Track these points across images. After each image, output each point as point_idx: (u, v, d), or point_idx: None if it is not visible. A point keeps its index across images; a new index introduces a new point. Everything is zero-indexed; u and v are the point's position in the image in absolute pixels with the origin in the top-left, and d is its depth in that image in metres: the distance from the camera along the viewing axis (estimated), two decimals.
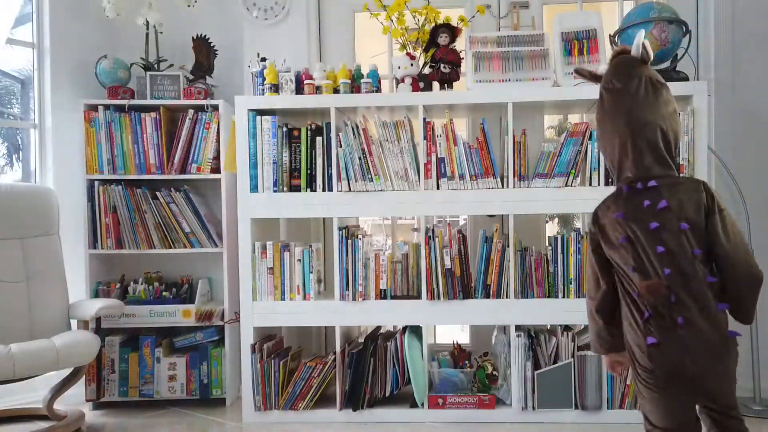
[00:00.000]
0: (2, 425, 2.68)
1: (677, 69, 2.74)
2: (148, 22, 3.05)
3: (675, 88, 2.63)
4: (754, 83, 2.98)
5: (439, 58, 2.76)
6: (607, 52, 2.76)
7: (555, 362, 2.64)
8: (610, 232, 1.57)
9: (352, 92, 2.77)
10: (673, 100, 1.66)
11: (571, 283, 2.65)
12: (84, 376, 2.73)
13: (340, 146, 2.71)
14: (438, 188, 2.69)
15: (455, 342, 2.96)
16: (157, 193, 2.99)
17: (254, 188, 2.77)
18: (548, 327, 2.78)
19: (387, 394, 2.74)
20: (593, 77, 1.74)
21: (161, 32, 3.10)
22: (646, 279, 1.47)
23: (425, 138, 2.68)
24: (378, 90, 2.79)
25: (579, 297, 2.64)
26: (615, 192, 1.63)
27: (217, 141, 2.99)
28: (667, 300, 1.45)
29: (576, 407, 2.62)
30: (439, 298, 2.68)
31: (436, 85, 2.83)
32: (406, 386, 2.76)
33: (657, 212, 1.52)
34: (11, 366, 2.26)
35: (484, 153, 2.67)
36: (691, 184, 1.61)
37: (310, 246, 2.79)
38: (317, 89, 2.77)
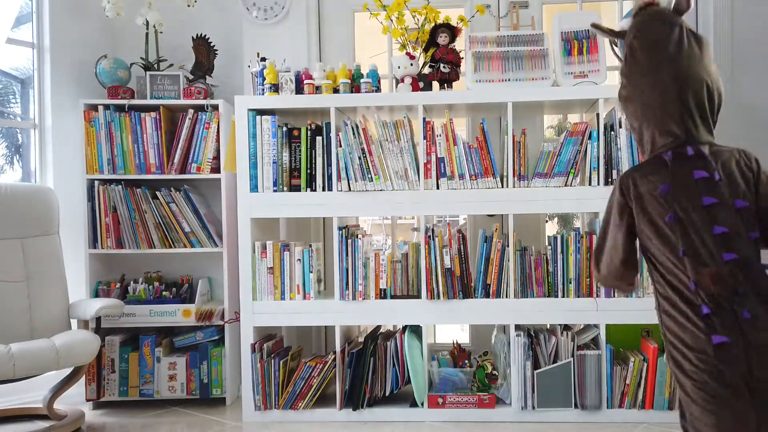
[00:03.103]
0: (2, 425, 2.68)
1: None
2: (148, 22, 3.05)
3: None
4: (754, 83, 2.98)
5: (439, 57, 2.76)
6: (606, 52, 2.76)
7: (555, 362, 2.64)
8: (651, 207, 1.31)
9: (351, 92, 2.77)
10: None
11: (570, 283, 2.65)
12: (84, 376, 2.74)
13: (340, 146, 2.71)
14: (438, 188, 2.69)
15: (455, 341, 2.96)
16: (157, 193, 2.99)
17: (254, 188, 2.77)
18: (548, 326, 2.78)
19: (387, 394, 2.74)
20: (613, 33, 1.54)
21: (161, 32, 3.10)
22: (700, 266, 1.22)
23: (425, 138, 2.68)
24: (378, 90, 2.79)
25: (579, 296, 2.64)
26: (653, 159, 1.37)
27: (217, 141, 2.99)
28: (731, 291, 1.20)
29: (576, 407, 2.63)
30: (438, 297, 2.68)
31: (435, 84, 2.83)
32: (406, 386, 2.76)
33: (711, 185, 1.27)
34: (11, 366, 2.26)
35: (483, 153, 2.67)
36: (737, 154, 1.36)
37: (310, 246, 2.79)
38: (317, 89, 2.78)
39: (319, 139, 2.74)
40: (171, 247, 3.00)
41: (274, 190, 2.76)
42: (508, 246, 2.66)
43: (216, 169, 3.00)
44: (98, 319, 2.70)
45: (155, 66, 3.09)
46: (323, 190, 2.74)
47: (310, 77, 2.78)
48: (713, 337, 1.19)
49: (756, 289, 1.21)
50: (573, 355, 2.62)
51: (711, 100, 1.38)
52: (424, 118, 2.69)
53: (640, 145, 1.44)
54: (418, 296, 2.72)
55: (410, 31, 2.86)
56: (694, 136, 1.33)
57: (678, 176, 1.30)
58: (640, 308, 2.62)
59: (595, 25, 1.58)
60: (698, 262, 1.23)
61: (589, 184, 2.64)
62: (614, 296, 2.63)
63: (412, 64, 2.77)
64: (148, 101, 3.00)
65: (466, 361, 2.82)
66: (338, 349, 2.71)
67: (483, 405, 2.68)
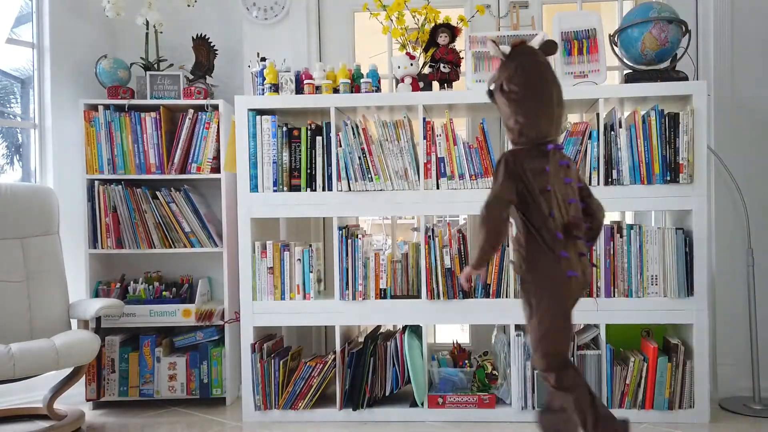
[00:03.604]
0: (2, 425, 2.68)
1: (677, 69, 2.74)
2: (148, 22, 3.05)
3: (675, 87, 2.66)
4: (754, 83, 2.98)
5: (439, 57, 2.76)
6: (606, 51, 2.76)
7: None
8: (534, 180, 1.83)
9: (351, 92, 2.77)
10: None
11: None
12: (84, 376, 2.74)
13: (340, 146, 2.71)
14: (438, 188, 2.69)
15: (455, 341, 2.96)
16: (157, 193, 2.99)
17: (254, 188, 2.77)
18: None
19: (387, 394, 2.74)
20: (505, 55, 1.92)
21: (161, 32, 3.10)
22: (559, 221, 1.83)
23: (425, 138, 2.68)
24: (378, 90, 2.79)
25: None
26: (535, 149, 1.87)
27: (217, 141, 2.99)
28: (575, 235, 1.86)
29: None
30: (438, 297, 2.68)
31: (435, 84, 2.83)
32: (406, 386, 2.76)
33: (566, 170, 1.89)
34: (11, 366, 2.26)
35: (483, 153, 2.67)
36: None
37: (310, 246, 2.79)
38: (317, 89, 2.78)
39: (319, 139, 2.74)
40: (171, 247, 3.00)
41: (274, 190, 2.76)
42: (508, 246, 2.66)
43: (216, 169, 3.00)
44: (98, 319, 2.70)
45: (155, 66, 3.10)
46: (323, 190, 2.74)
47: (310, 77, 2.78)
48: (562, 252, 1.82)
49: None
50: (573, 355, 2.62)
51: (563, 112, 1.93)
52: (424, 118, 2.69)
53: (513, 133, 1.89)
54: (418, 296, 2.72)
55: (410, 31, 2.86)
56: (555, 136, 1.91)
57: (553, 162, 1.86)
58: (640, 308, 2.62)
59: (494, 42, 1.93)
60: (560, 219, 1.84)
61: (589, 184, 2.63)
62: (614, 296, 2.63)
63: (412, 64, 2.77)
64: (148, 101, 3.00)
65: (466, 361, 2.82)
66: (338, 349, 2.71)
67: (483, 405, 2.68)
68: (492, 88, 1.94)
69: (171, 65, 3.13)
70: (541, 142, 1.87)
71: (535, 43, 1.92)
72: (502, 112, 1.92)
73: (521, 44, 1.91)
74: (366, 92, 2.76)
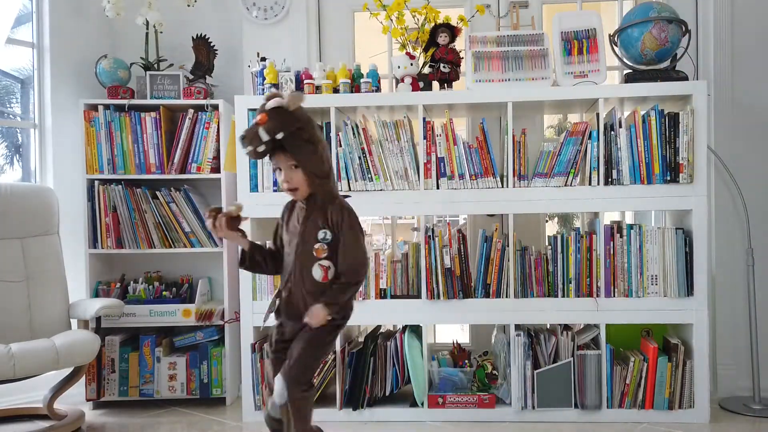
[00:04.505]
0: (2, 425, 2.68)
1: (677, 68, 2.74)
2: (148, 21, 3.05)
3: (675, 87, 2.66)
4: (754, 82, 2.98)
5: (439, 57, 2.76)
6: (606, 51, 2.76)
7: (554, 361, 2.64)
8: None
9: (351, 92, 2.77)
10: None
11: (570, 283, 2.65)
12: (84, 376, 2.74)
13: (340, 146, 2.71)
14: (438, 188, 2.69)
15: (455, 341, 2.96)
16: (157, 193, 2.99)
17: (254, 188, 2.77)
18: (548, 326, 2.78)
19: (387, 394, 2.74)
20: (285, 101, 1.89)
21: (161, 32, 3.10)
22: None
23: (425, 137, 2.68)
24: (378, 89, 2.79)
25: (579, 296, 2.64)
26: (341, 196, 2.00)
27: (217, 141, 2.99)
28: None
29: (575, 406, 2.63)
30: (438, 297, 2.68)
31: (435, 84, 2.83)
32: (406, 385, 2.76)
33: None
34: (11, 365, 2.26)
35: (483, 152, 2.67)
36: None
37: None
38: (317, 89, 2.78)
39: None
40: (171, 247, 3.00)
41: (274, 190, 2.76)
42: (508, 246, 2.66)
43: (216, 169, 3.00)
44: (98, 319, 2.69)
45: (155, 66, 3.09)
46: None
47: (310, 77, 2.78)
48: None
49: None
50: (573, 355, 2.62)
51: None
52: (424, 118, 2.69)
53: (328, 179, 1.95)
54: (418, 296, 2.72)
55: (410, 31, 2.86)
56: None
57: None
58: (640, 308, 2.62)
59: (271, 96, 1.91)
60: None
61: (589, 184, 2.64)
62: (614, 296, 2.63)
63: (412, 64, 2.77)
64: (148, 101, 3.00)
65: (466, 361, 2.82)
66: (338, 349, 2.71)
67: (483, 405, 2.68)
68: (282, 136, 1.83)
69: (171, 65, 3.13)
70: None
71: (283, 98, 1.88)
72: (309, 160, 1.89)
73: (273, 97, 1.89)
74: (366, 92, 2.76)
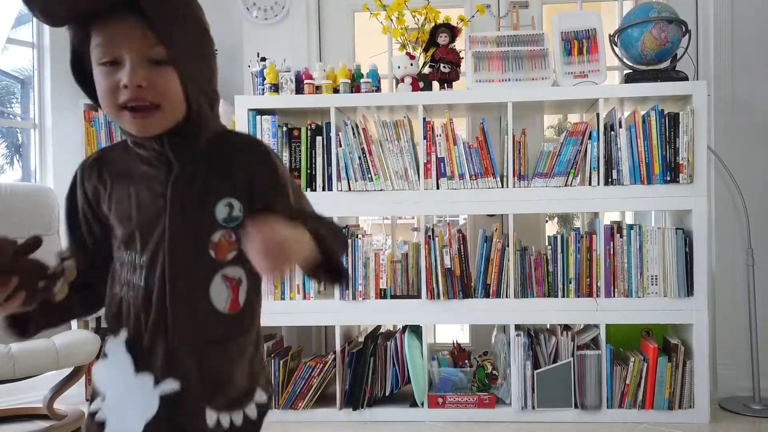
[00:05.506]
0: (2, 425, 2.68)
1: (677, 68, 2.74)
2: None
3: (675, 87, 2.66)
4: (754, 83, 2.98)
5: (439, 57, 2.76)
6: (606, 51, 2.76)
7: (554, 361, 2.64)
8: None
9: (351, 92, 2.77)
10: None
11: (570, 283, 2.65)
12: (84, 376, 2.73)
13: (340, 146, 2.71)
14: (438, 188, 2.69)
15: (455, 341, 2.96)
16: None
17: None
18: (548, 326, 2.78)
19: (387, 394, 2.74)
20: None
21: None
22: None
23: (425, 138, 2.68)
24: (378, 90, 2.79)
25: (579, 296, 2.64)
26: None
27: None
28: None
29: (575, 406, 2.63)
30: (438, 297, 2.68)
31: (435, 84, 2.83)
32: (406, 385, 2.76)
33: None
34: (11, 365, 2.26)
35: (483, 153, 2.67)
36: None
37: None
38: (317, 89, 2.77)
39: (319, 139, 2.74)
40: None
41: None
42: (508, 246, 2.66)
43: None
44: (98, 319, 2.69)
45: None
46: (323, 190, 2.74)
47: (310, 77, 2.78)
48: None
49: None
50: (573, 355, 2.62)
51: None
52: (424, 118, 2.69)
53: (217, 116, 1.23)
54: (418, 296, 2.72)
55: (410, 31, 2.86)
56: None
57: None
58: (640, 308, 2.62)
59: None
60: None
61: (589, 184, 2.63)
62: (614, 296, 2.63)
63: (412, 64, 2.77)
64: None
65: (466, 361, 2.82)
66: (338, 349, 2.71)
67: (483, 405, 2.68)
68: None
69: None
70: None
71: None
72: (192, 55, 0.98)
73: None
74: (366, 92, 2.76)
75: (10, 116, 3.31)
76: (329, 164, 2.73)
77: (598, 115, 2.67)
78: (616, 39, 2.79)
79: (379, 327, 2.95)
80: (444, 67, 2.76)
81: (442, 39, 2.77)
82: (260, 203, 0.99)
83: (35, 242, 0.91)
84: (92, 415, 1.02)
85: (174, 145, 0.96)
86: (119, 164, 1.02)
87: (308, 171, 2.75)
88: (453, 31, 2.79)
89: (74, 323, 2.77)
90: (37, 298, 0.90)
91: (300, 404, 2.71)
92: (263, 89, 2.79)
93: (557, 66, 2.75)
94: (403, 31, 2.84)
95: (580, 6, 3.18)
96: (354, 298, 2.72)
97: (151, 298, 0.96)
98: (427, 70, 2.85)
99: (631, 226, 2.65)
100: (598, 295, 2.63)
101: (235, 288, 0.99)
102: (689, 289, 2.60)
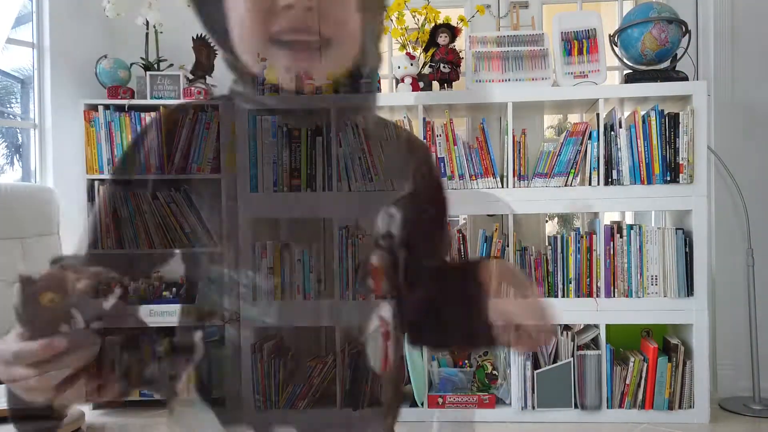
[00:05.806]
0: (2, 425, 2.68)
1: (677, 69, 2.74)
2: (148, 22, 3.05)
3: (675, 87, 2.66)
4: (754, 83, 2.98)
5: (439, 57, 2.76)
6: (606, 51, 2.76)
7: (554, 362, 2.64)
8: None
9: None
10: None
11: (570, 283, 2.65)
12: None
13: (340, 146, 2.71)
14: None
15: None
16: (157, 193, 2.99)
17: (254, 188, 2.76)
18: None
19: None
20: None
21: (161, 32, 3.10)
22: None
23: (425, 138, 2.68)
24: (378, 90, 2.79)
25: (579, 296, 2.64)
26: None
27: (217, 141, 2.98)
28: None
29: (575, 406, 2.63)
30: None
31: (435, 84, 2.83)
32: (406, 386, 2.76)
33: None
34: None
35: (483, 153, 2.67)
36: None
37: (311, 246, 2.78)
38: (317, 89, 2.77)
39: (319, 139, 2.73)
40: (170, 247, 2.99)
41: (274, 190, 2.75)
42: (508, 246, 2.66)
43: (216, 169, 2.99)
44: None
45: (155, 66, 3.09)
46: (323, 190, 2.74)
47: (311, 77, 2.77)
48: None
49: None
50: (573, 355, 2.62)
51: None
52: (424, 118, 2.69)
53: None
54: None
55: (410, 31, 2.86)
56: None
57: None
58: (640, 308, 2.62)
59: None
60: None
61: (589, 184, 2.63)
62: (614, 296, 2.63)
63: (412, 64, 2.77)
64: (148, 101, 3.00)
65: (466, 361, 2.82)
66: (338, 349, 2.71)
67: (483, 405, 2.68)
68: None
69: (171, 65, 3.13)
70: None
71: None
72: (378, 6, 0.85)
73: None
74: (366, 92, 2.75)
75: (10, 116, 3.31)
76: (329, 164, 2.73)
77: (598, 115, 2.67)
78: (616, 39, 2.79)
79: None
80: (444, 67, 2.76)
81: (442, 39, 2.77)
82: (410, 228, 0.66)
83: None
84: None
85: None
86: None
87: (308, 171, 2.75)
88: (453, 31, 2.79)
89: None
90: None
91: (300, 404, 2.71)
92: (263, 90, 2.78)
93: (557, 66, 2.75)
94: (403, 31, 2.84)
95: (580, 6, 3.18)
96: (354, 298, 2.71)
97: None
98: (427, 70, 2.85)
99: (631, 226, 2.65)
100: (598, 295, 2.63)
101: (386, 334, 0.68)
102: (689, 289, 2.60)
